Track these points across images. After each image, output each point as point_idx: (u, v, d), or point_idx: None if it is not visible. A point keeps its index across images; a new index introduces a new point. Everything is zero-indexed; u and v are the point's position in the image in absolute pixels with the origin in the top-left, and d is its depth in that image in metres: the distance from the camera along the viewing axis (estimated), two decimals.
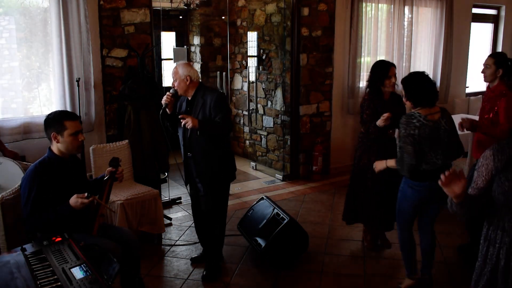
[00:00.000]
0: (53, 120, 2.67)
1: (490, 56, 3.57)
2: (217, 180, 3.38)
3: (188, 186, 3.58)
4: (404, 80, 3.01)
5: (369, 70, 3.75)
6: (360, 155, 3.75)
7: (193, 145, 3.31)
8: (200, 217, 3.59)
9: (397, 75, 3.74)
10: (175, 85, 3.27)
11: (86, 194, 2.55)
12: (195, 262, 3.70)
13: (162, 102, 3.29)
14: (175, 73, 3.28)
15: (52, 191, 2.61)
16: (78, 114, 4.16)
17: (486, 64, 3.51)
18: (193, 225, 4.04)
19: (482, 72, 3.56)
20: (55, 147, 2.70)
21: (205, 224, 3.56)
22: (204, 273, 3.47)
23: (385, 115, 3.37)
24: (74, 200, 2.55)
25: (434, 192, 2.92)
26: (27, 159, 4.00)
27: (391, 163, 3.06)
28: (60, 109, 4.17)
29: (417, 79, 2.94)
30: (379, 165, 3.19)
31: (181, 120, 3.14)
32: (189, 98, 3.32)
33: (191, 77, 3.26)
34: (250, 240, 3.76)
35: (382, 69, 3.57)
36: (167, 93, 3.30)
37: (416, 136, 2.85)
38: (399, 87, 3.62)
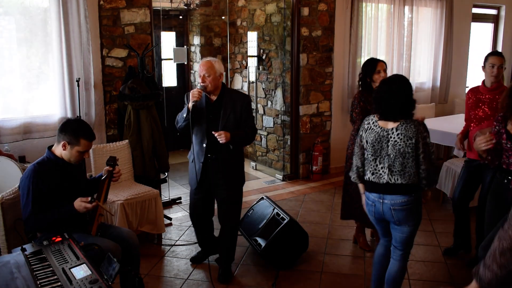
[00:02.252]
0: (71, 131, 2.65)
1: (499, 56, 3.45)
2: (242, 181, 3.42)
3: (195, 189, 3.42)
4: (379, 82, 2.82)
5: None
6: (351, 153, 3.76)
7: (221, 148, 3.17)
8: (204, 221, 3.52)
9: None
10: (208, 80, 3.11)
11: (89, 199, 2.58)
12: (194, 262, 3.68)
13: (192, 97, 3.06)
14: (210, 67, 3.11)
15: (51, 191, 2.61)
16: (78, 114, 4.16)
17: (500, 65, 3.39)
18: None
19: (497, 74, 3.38)
20: (58, 150, 2.70)
21: (208, 227, 3.54)
22: (222, 275, 3.42)
23: None
24: (78, 203, 2.59)
25: (380, 211, 2.70)
26: (27, 159, 4.00)
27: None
28: (60, 109, 4.20)
29: (383, 88, 2.67)
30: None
31: (215, 134, 3.06)
32: (213, 98, 3.20)
33: (223, 76, 3.20)
34: (250, 240, 3.76)
35: (371, 64, 3.62)
36: (197, 88, 3.11)
37: (362, 138, 2.73)
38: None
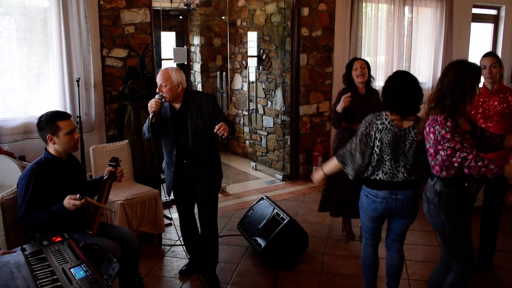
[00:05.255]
0: (46, 122, 2.66)
1: (491, 56, 3.40)
2: (219, 181, 3.37)
3: (173, 197, 3.41)
4: (387, 80, 2.78)
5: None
6: (336, 146, 3.94)
7: (196, 152, 3.13)
8: (192, 226, 3.47)
9: None
10: (164, 90, 3.02)
11: (78, 196, 2.52)
12: (183, 275, 3.48)
13: (150, 109, 3.01)
14: (167, 78, 3.02)
15: (49, 191, 2.61)
16: (78, 114, 4.16)
17: (492, 64, 3.31)
18: None
19: (490, 73, 3.31)
20: (52, 148, 2.70)
21: (196, 232, 3.49)
22: (209, 280, 3.36)
23: (345, 96, 3.67)
24: (67, 201, 2.54)
25: (392, 206, 2.70)
26: (27, 159, 4.00)
27: (329, 167, 2.81)
28: (60, 109, 4.18)
29: (397, 82, 2.68)
30: (317, 176, 2.87)
31: (215, 131, 2.94)
32: (177, 106, 3.12)
33: (182, 85, 3.07)
34: (250, 240, 3.76)
35: (349, 63, 3.96)
36: (155, 99, 3.01)
37: (372, 138, 2.63)
38: (375, 84, 3.99)
